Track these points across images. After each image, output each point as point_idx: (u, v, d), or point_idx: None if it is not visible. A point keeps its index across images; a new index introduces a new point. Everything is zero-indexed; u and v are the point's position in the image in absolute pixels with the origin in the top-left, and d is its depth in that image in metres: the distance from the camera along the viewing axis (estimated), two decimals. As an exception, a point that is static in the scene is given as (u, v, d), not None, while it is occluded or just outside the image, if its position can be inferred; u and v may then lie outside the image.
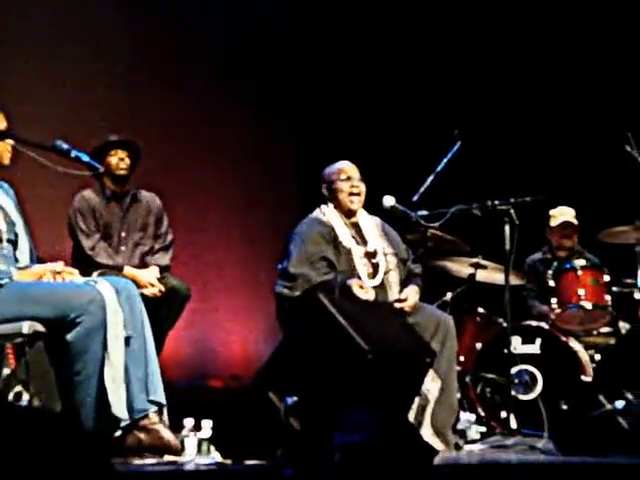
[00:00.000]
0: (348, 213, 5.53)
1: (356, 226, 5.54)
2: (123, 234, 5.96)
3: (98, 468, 2.81)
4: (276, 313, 5.39)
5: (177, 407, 4.51)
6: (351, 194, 5.51)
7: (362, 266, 5.36)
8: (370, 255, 5.44)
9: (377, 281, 5.35)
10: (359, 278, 5.31)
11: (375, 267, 5.41)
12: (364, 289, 5.20)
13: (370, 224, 5.59)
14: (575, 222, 7.26)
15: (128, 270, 5.75)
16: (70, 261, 5.72)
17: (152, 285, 5.69)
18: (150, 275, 5.77)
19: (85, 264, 5.64)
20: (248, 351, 8.07)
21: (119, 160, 5.95)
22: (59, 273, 4.32)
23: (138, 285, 5.34)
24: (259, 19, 8.66)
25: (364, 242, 5.49)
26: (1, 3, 7.08)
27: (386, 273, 5.40)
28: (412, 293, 5.36)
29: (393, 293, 5.37)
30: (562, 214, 7.27)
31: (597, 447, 4.60)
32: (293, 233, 5.47)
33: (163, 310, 5.57)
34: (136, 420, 4.13)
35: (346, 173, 5.55)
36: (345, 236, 5.44)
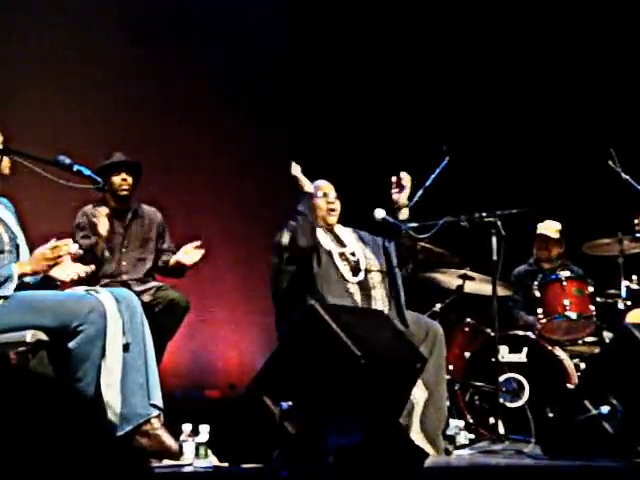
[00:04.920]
0: (326, 227, 5.57)
1: (333, 234, 5.58)
2: (124, 250, 5.96)
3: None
4: (275, 324, 5.39)
5: (176, 414, 4.51)
6: (328, 210, 5.57)
7: (343, 266, 5.38)
8: (349, 254, 5.46)
9: (360, 278, 5.36)
10: (342, 277, 5.33)
11: (356, 265, 5.42)
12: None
13: (347, 233, 5.64)
14: (555, 236, 7.27)
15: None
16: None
17: None
18: None
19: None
20: (245, 362, 8.05)
21: (122, 180, 5.96)
22: (55, 248, 4.27)
23: None
24: (255, 39, 8.66)
25: (342, 245, 5.52)
26: (6, 24, 7.09)
27: (368, 272, 5.41)
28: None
29: (376, 292, 5.38)
30: (543, 227, 7.30)
31: (583, 451, 4.60)
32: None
33: (163, 321, 5.56)
34: (138, 425, 4.13)
35: (322, 190, 5.63)
36: (324, 240, 5.47)
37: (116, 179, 5.95)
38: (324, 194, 5.60)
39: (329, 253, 5.41)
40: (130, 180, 5.99)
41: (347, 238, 5.59)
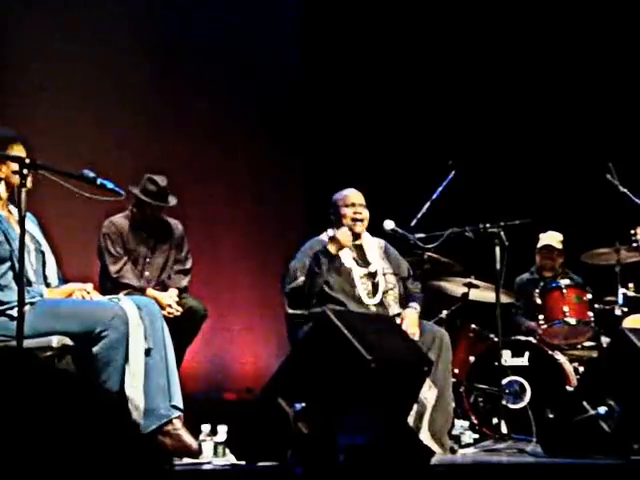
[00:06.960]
0: (352, 236, 5.55)
1: (359, 248, 5.55)
2: (148, 259, 5.97)
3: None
4: (287, 334, 5.40)
5: (195, 416, 4.54)
6: (354, 219, 5.53)
7: (361, 285, 5.37)
8: (370, 275, 5.45)
9: (377, 300, 5.36)
10: (359, 297, 5.33)
11: (375, 286, 5.42)
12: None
13: (373, 246, 5.59)
14: (557, 246, 7.28)
15: (150, 292, 5.77)
16: (98, 280, 5.77)
17: (170, 306, 5.71)
18: (169, 298, 5.78)
19: (111, 286, 5.69)
20: (260, 366, 8.05)
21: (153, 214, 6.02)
22: (88, 293, 4.37)
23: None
24: (268, 51, 8.68)
25: (366, 263, 5.49)
26: (30, 40, 7.14)
27: (385, 292, 5.42)
28: (410, 321, 5.33)
29: (392, 310, 5.39)
30: (546, 238, 7.32)
31: (581, 449, 4.62)
32: (296, 251, 5.50)
33: (182, 328, 5.56)
34: (161, 425, 4.16)
35: (350, 199, 5.54)
36: (347, 258, 5.44)
37: (148, 210, 5.95)
38: (352, 203, 5.52)
39: (349, 272, 5.40)
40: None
41: (372, 254, 5.54)
